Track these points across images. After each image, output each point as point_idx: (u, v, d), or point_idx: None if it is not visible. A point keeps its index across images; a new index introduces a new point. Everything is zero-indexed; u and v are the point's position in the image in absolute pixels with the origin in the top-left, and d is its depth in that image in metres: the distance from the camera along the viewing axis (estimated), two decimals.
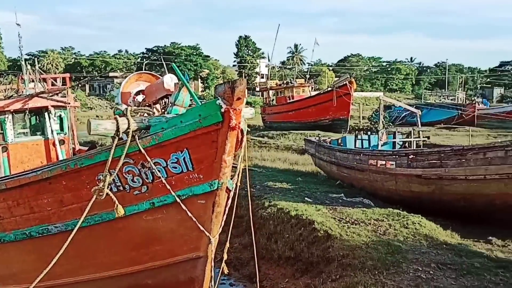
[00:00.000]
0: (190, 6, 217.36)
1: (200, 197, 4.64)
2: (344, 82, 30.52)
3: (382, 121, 13.68)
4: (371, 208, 9.50)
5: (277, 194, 10.88)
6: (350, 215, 8.71)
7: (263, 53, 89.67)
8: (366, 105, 69.72)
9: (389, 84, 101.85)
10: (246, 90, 4.40)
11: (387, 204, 10.13)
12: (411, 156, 10.07)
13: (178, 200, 4.63)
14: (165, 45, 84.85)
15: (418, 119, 14.32)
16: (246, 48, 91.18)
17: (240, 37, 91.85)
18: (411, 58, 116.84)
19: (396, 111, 36.19)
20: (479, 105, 45.55)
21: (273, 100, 39.13)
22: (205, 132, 4.42)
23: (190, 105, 5.43)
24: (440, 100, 61.32)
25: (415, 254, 6.66)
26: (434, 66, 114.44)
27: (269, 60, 53.83)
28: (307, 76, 48.65)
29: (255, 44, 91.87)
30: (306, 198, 10.46)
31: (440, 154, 9.49)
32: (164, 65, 7.72)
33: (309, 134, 24.34)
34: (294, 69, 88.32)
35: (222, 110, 4.28)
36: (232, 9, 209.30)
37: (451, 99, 60.98)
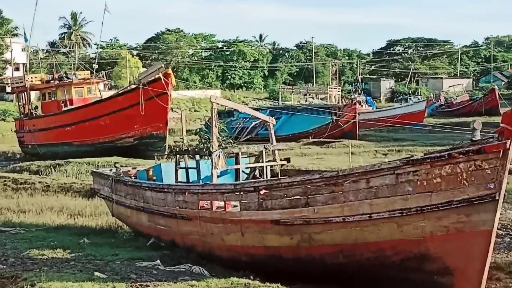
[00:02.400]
0: None
1: None
2: (157, 75, 30.92)
3: (218, 137, 14.08)
4: (205, 280, 9.68)
5: (47, 269, 10.61)
6: None
7: (16, 28, 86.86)
8: (195, 111, 71.72)
9: (229, 77, 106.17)
10: None
11: (230, 271, 10.43)
12: (263, 191, 10.49)
13: None
14: None
15: (272, 131, 15.05)
16: None
17: None
18: (261, 36, 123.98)
19: (241, 120, 37.85)
20: (362, 106, 49.96)
21: (36, 107, 37.97)
22: None
23: None
24: (305, 101, 65.73)
25: None
26: (295, 48, 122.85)
27: (26, 40, 52.20)
28: (95, 65, 48.32)
29: (1, 12, 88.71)
30: (96, 273, 10.30)
31: (305, 185, 10.02)
32: None
33: (101, 164, 24.04)
34: (72, 55, 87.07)
35: None
36: None
37: (322, 99, 65.96)
